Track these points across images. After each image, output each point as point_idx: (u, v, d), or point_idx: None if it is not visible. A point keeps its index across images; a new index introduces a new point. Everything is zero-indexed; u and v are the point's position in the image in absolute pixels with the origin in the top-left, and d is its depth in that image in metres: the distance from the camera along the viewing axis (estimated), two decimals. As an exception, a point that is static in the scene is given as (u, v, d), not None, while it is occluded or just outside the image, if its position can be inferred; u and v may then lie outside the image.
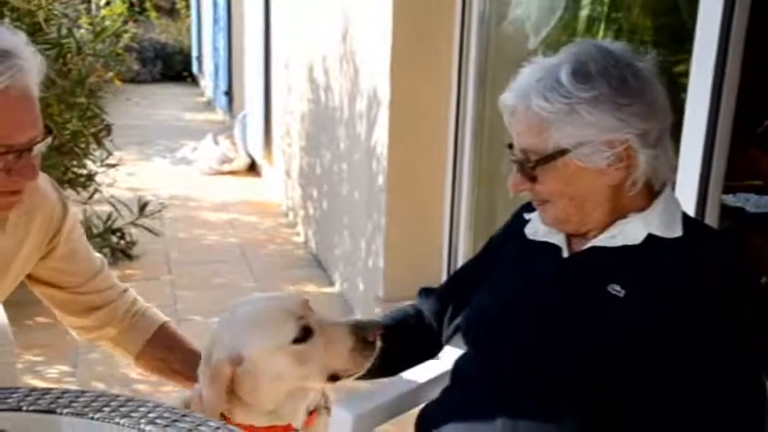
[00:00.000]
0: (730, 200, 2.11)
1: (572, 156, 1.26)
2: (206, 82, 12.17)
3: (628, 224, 1.29)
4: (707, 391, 1.18)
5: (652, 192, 1.32)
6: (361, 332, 1.32)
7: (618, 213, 1.30)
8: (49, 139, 1.37)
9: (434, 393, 1.46)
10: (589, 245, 1.33)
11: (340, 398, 1.53)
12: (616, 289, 1.25)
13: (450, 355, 1.57)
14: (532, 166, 1.29)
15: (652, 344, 1.20)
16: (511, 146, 1.34)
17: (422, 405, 1.47)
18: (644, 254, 1.27)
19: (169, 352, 1.69)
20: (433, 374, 1.58)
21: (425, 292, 1.67)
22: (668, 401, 1.19)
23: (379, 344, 1.32)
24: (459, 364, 1.45)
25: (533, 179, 1.30)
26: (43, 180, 1.55)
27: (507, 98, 1.33)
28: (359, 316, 3.65)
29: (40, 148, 1.34)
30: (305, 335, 1.33)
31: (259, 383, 1.33)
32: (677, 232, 1.28)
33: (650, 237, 1.28)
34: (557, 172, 1.28)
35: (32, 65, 1.31)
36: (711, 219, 1.87)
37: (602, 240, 1.31)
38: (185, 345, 1.71)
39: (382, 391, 1.56)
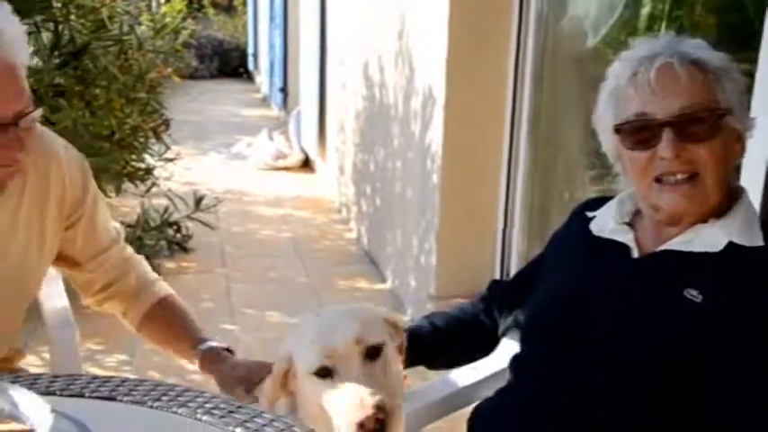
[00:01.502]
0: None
1: (736, 116, 1.23)
2: (261, 78, 12.31)
3: (707, 229, 1.26)
4: None
5: (729, 197, 1.28)
6: (367, 412, 1.25)
7: (713, 208, 1.26)
8: (39, 112, 1.37)
9: (488, 392, 1.45)
10: (663, 247, 1.29)
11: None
12: (693, 294, 1.21)
13: (503, 354, 1.56)
14: (708, 121, 1.20)
15: (728, 351, 1.17)
16: (640, 117, 1.25)
17: (474, 403, 1.46)
18: (724, 261, 1.23)
19: (167, 327, 1.70)
20: (487, 373, 1.57)
21: (495, 284, 1.68)
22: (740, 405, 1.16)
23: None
24: (517, 362, 1.43)
25: (700, 139, 1.21)
26: (64, 152, 1.57)
27: (650, 52, 1.24)
28: (410, 312, 3.65)
29: (28, 121, 1.34)
30: (325, 373, 1.32)
31: (298, 391, 1.36)
32: (758, 241, 1.24)
33: (730, 244, 1.24)
34: (722, 132, 1.22)
35: (14, 37, 1.30)
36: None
37: (677, 244, 1.27)
38: (184, 321, 1.71)
39: (435, 389, 1.56)
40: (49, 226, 1.56)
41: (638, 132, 1.26)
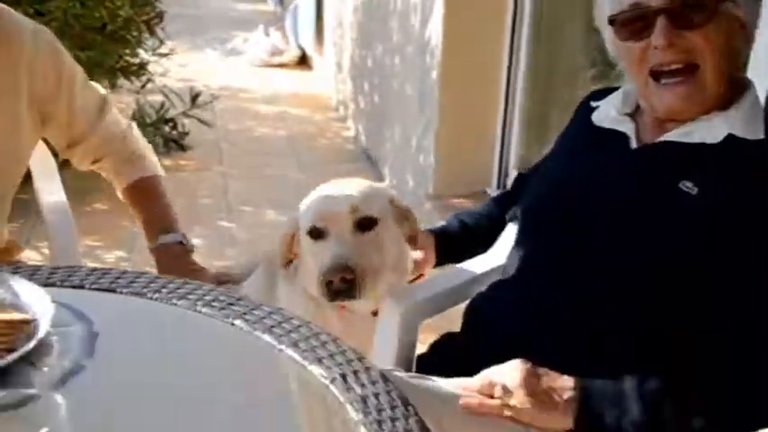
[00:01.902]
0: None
1: (738, 2, 1.19)
2: (257, -29, 11.92)
3: (707, 121, 1.23)
4: None
5: (732, 89, 1.26)
6: (336, 272, 1.37)
7: (715, 102, 1.24)
8: None
9: (484, 287, 1.46)
10: (662, 138, 1.27)
11: (390, 291, 1.56)
12: (688, 186, 1.20)
13: (501, 250, 1.57)
14: (704, 6, 1.17)
15: (724, 247, 1.16)
16: (634, 5, 1.22)
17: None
18: (722, 154, 1.21)
19: (139, 210, 1.75)
20: (485, 269, 1.57)
21: (519, 177, 1.72)
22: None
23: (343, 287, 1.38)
24: (515, 254, 1.43)
25: (695, 26, 1.18)
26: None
27: None
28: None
29: None
30: (317, 234, 1.43)
31: (299, 252, 1.50)
32: (759, 134, 1.22)
33: (730, 137, 1.22)
34: (720, 20, 1.19)
35: None
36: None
37: (677, 135, 1.25)
38: (161, 203, 1.75)
39: (432, 285, 1.58)
40: (24, 117, 1.53)
41: (632, 22, 1.23)
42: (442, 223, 1.68)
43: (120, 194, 1.79)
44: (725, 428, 1.14)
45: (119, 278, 1.19)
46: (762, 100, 1.28)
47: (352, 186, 1.50)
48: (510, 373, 1.16)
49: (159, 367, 1.02)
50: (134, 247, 3.32)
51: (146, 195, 1.75)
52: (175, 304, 1.13)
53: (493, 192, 3.30)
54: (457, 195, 3.33)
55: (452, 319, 1.47)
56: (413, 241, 1.53)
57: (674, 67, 1.21)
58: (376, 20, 4.37)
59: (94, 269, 1.23)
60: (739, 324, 1.17)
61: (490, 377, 1.17)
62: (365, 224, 1.44)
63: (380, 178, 4.28)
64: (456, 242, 1.61)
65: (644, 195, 1.26)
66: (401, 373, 1.26)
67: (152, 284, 1.17)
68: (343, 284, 1.38)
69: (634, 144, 1.32)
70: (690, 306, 1.20)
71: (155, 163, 1.80)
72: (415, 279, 1.60)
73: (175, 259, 1.66)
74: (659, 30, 1.19)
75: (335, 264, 1.38)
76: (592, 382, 1.16)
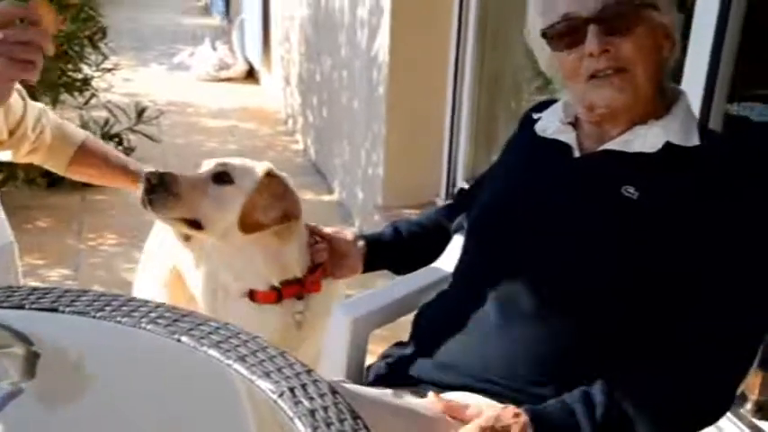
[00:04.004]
0: (734, 109, 2.08)
1: (661, 11, 1.25)
2: (202, -15, 11.84)
3: (645, 130, 1.28)
4: (744, 280, 1.20)
5: (665, 98, 1.30)
6: (153, 173, 1.51)
7: (644, 112, 1.28)
8: None
9: (432, 297, 1.47)
10: (603, 147, 1.31)
11: (341, 301, 1.56)
12: (630, 191, 1.24)
13: (448, 259, 1.58)
14: (629, 14, 1.22)
15: (670, 242, 1.20)
16: (565, 17, 1.26)
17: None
18: (661, 161, 1.25)
19: (103, 158, 1.83)
20: (433, 279, 1.59)
21: (461, 191, 1.72)
22: (704, 292, 1.20)
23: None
24: (461, 264, 1.45)
25: (623, 32, 1.23)
26: None
27: None
28: (358, 223, 3.67)
29: None
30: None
31: None
32: (695, 141, 1.27)
33: (668, 145, 1.26)
34: (645, 26, 1.24)
35: None
36: (715, 127, 1.85)
37: (617, 144, 1.29)
38: (115, 152, 1.89)
39: (381, 295, 1.58)
40: None
41: (565, 34, 1.27)
42: (376, 230, 1.71)
43: (62, 167, 1.82)
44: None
45: (61, 297, 1.16)
46: (694, 108, 1.32)
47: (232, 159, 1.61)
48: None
49: (102, 388, 1.01)
50: (79, 265, 3.26)
51: (98, 154, 1.83)
52: (120, 322, 1.11)
53: (441, 202, 3.33)
54: (406, 206, 3.35)
55: (404, 328, 1.48)
56: (286, 218, 1.55)
57: (609, 71, 1.25)
58: (324, 34, 4.38)
59: (35, 288, 1.20)
60: (687, 320, 1.20)
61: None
62: (219, 178, 1.54)
63: (330, 191, 4.28)
64: (387, 249, 1.63)
65: (587, 202, 1.29)
66: (350, 385, 1.26)
67: (96, 303, 1.15)
68: (148, 185, 1.49)
69: (576, 153, 1.35)
70: (637, 306, 1.23)
71: (79, 129, 1.88)
72: (313, 270, 1.60)
73: None
74: (591, 37, 1.23)
75: (159, 171, 1.51)
76: (542, 409, 1.17)
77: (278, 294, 1.57)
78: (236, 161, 1.58)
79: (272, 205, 1.53)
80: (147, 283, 1.95)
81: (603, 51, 1.23)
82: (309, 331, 1.61)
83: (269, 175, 1.57)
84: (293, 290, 1.57)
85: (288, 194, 1.58)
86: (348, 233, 1.64)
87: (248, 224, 1.51)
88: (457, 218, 1.63)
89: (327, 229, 1.64)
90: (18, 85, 1.71)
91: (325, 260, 1.60)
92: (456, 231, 1.62)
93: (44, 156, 1.79)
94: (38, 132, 1.75)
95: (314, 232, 1.62)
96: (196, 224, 1.53)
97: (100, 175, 1.86)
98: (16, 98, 1.70)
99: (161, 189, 1.49)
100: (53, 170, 1.84)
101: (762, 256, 1.21)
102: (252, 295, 1.58)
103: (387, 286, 1.64)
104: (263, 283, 1.57)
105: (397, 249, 1.63)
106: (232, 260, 1.58)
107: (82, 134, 1.84)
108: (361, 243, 1.61)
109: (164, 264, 1.88)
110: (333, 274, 1.62)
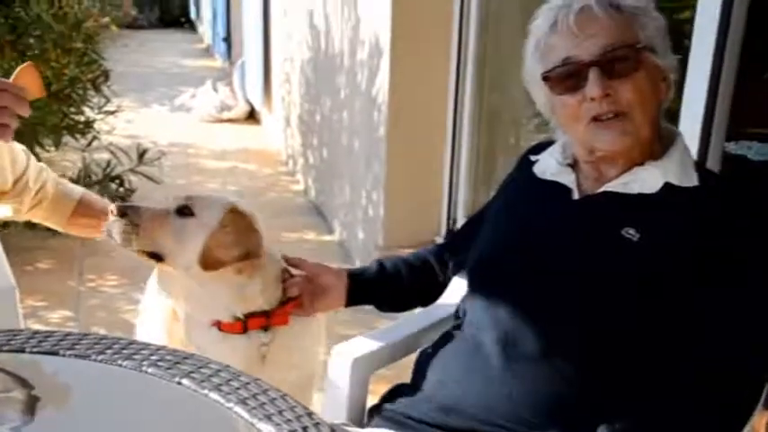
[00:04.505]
0: (732, 147, 2.09)
1: (658, 54, 1.26)
2: (204, 28, 12.01)
3: (644, 171, 1.29)
4: (747, 319, 1.20)
5: (662, 139, 1.32)
6: (120, 207, 1.53)
7: (643, 154, 1.29)
8: None
9: (434, 337, 1.47)
10: (602, 189, 1.32)
11: (340, 343, 1.55)
12: (630, 233, 1.24)
13: (450, 300, 1.58)
14: (630, 58, 1.24)
15: (673, 282, 1.20)
16: (566, 61, 1.27)
17: (420, 348, 1.49)
18: (660, 201, 1.26)
19: (102, 210, 1.80)
20: (434, 319, 1.59)
21: (450, 232, 1.72)
22: (707, 333, 1.20)
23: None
24: (463, 305, 1.45)
25: (624, 75, 1.24)
26: None
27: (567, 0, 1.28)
28: (358, 264, 3.67)
29: None
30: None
31: None
32: (694, 181, 1.28)
33: (667, 185, 1.27)
34: (646, 70, 1.25)
35: None
36: (713, 166, 1.86)
37: (616, 186, 1.30)
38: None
39: (382, 335, 1.58)
40: None
41: (566, 77, 1.28)
42: (361, 265, 1.71)
43: (63, 223, 1.84)
44: None
45: (62, 340, 1.16)
46: (692, 148, 1.34)
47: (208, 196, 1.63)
48: None
49: None
50: (80, 307, 3.25)
51: (96, 206, 1.85)
52: (121, 365, 1.11)
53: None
54: (407, 247, 3.35)
55: (406, 368, 1.47)
56: (248, 256, 1.53)
57: (610, 115, 1.27)
58: (324, 76, 4.43)
59: (37, 332, 1.20)
60: (690, 360, 1.20)
61: None
62: (182, 211, 1.53)
63: (330, 231, 4.29)
64: (370, 284, 1.61)
65: (588, 244, 1.29)
66: (352, 428, 1.26)
67: (97, 345, 1.15)
68: (117, 215, 1.51)
69: (576, 195, 1.36)
70: (640, 347, 1.23)
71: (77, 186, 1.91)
72: (284, 303, 1.59)
73: None
74: (592, 81, 1.24)
75: (124, 203, 1.55)
76: None
77: (243, 324, 1.55)
78: (201, 195, 1.59)
79: (235, 243, 1.52)
80: (149, 323, 1.94)
81: (605, 95, 1.24)
82: (276, 364, 1.58)
83: (233, 211, 1.55)
84: (258, 321, 1.55)
85: (251, 232, 1.56)
86: (332, 267, 1.63)
87: (209, 262, 1.50)
88: (446, 257, 1.63)
89: (311, 263, 1.63)
90: (21, 145, 1.78)
91: (300, 294, 1.59)
92: (455, 273, 1.62)
93: (46, 211, 1.81)
94: (39, 185, 1.78)
95: (296, 265, 1.61)
96: (158, 256, 1.54)
97: (97, 227, 1.82)
98: (19, 151, 1.75)
99: (124, 220, 1.51)
100: (54, 226, 1.86)
101: (763, 295, 1.21)
102: (218, 324, 1.57)
103: (388, 327, 1.64)
104: (226, 315, 1.55)
105: (380, 285, 1.62)
106: (194, 292, 1.57)
107: (80, 189, 1.88)
108: (344, 277, 1.61)
109: (165, 304, 1.87)
110: (312, 307, 1.60)
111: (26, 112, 1.34)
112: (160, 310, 1.86)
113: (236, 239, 1.52)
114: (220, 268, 1.51)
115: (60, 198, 1.83)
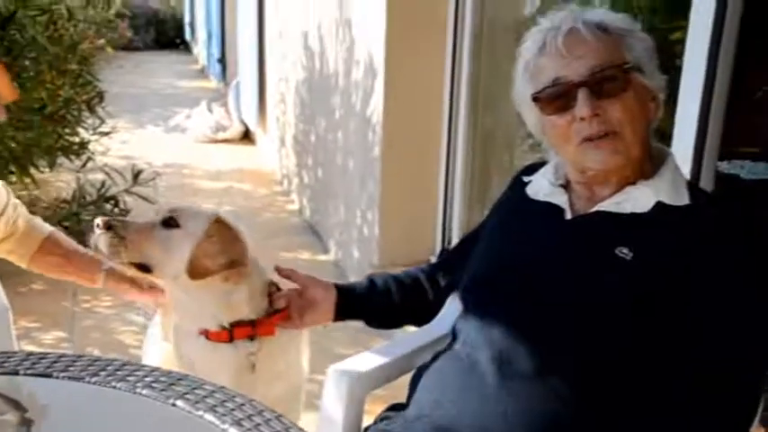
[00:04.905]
0: (725, 167, 2.10)
1: (646, 74, 1.27)
2: (199, 49, 12.06)
3: (636, 190, 1.29)
4: (740, 336, 1.20)
5: (653, 159, 1.33)
6: (104, 219, 1.54)
7: (634, 173, 1.30)
8: None
9: (429, 357, 1.47)
10: (595, 208, 1.32)
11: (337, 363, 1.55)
12: (623, 252, 1.25)
13: (446, 319, 1.58)
14: (618, 78, 1.25)
15: (666, 301, 1.21)
16: (555, 81, 1.28)
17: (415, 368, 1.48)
18: (652, 220, 1.27)
19: (68, 250, 1.84)
20: (429, 339, 1.58)
21: (443, 251, 1.72)
22: (700, 351, 1.20)
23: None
24: (458, 324, 1.45)
25: (613, 95, 1.25)
26: None
27: (555, 22, 1.29)
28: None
29: None
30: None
31: None
32: (685, 200, 1.29)
33: (658, 204, 1.28)
34: (634, 90, 1.26)
35: None
36: (706, 185, 1.87)
37: (609, 205, 1.31)
38: (77, 251, 1.86)
39: (378, 355, 1.57)
40: None
41: (556, 98, 1.29)
42: (353, 280, 1.71)
43: (26, 259, 1.83)
44: None
45: (55, 362, 1.16)
46: (684, 167, 1.35)
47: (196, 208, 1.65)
48: None
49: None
50: (74, 328, 3.24)
51: (63, 245, 1.84)
52: (115, 387, 1.11)
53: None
54: (401, 266, 3.33)
55: (402, 388, 1.47)
56: (233, 264, 1.55)
57: (601, 134, 1.28)
58: (318, 96, 4.44)
59: (30, 354, 1.20)
60: (684, 378, 1.20)
61: None
62: (168, 223, 1.55)
63: (326, 250, 4.29)
64: (359, 300, 1.62)
65: (582, 263, 1.30)
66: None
67: (90, 367, 1.15)
68: (104, 227, 1.52)
69: (569, 215, 1.36)
70: (634, 365, 1.23)
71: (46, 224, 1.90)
72: (271, 315, 1.60)
73: (123, 277, 1.77)
74: (581, 101, 1.26)
75: (112, 218, 1.56)
76: None
77: (229, 333, 1.57)
78: (185, 206, 1.61)
79: (221, 251, 1.54)
80: (154, 345, 1.94)
81: (594, 115, 1.25)
82: (264, 375, 1.59)
83: (218, 221, 1.58)
84: (244, 331, 1.57)
85: (236, 241, 1.59)
86: (321, 280, 1.64)
87: (197, 271, 1.52)
88: (439, 276, 1.64)
89: (302, 274, 1.64)
90: (1, 180, 1.80)
91: (288, 307, 1.60)
92: (448, 292, 1.62)
93: (12, 244, 1.81)
94: (13, 219, 1.79)
95: (287, 276, 1.63)
96: (146, 268, 1.55)
97: (62, 266, 1.84)
98: (1, 186, 1.76)
99: (110, 233, 1.52)
100: (17, 261, 1.84)
101: (757, 311, 1.21)
102: (206, 333, 1.59)
103: (384, 346, 1.64)
104: (213, 324, 1.57)
105: (369, 301, 1.63)
106: (182, 301, 1.60)
107: (49, 227, 1.87)
108: (332, 291, 1.61)
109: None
110: (300, 320, 1.61)
111: (2, 115, 1.35)
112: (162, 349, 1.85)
113: (222, 248, 1.55)
114: (208, 277, 1.53)
115: (29, 232, 1.83)
